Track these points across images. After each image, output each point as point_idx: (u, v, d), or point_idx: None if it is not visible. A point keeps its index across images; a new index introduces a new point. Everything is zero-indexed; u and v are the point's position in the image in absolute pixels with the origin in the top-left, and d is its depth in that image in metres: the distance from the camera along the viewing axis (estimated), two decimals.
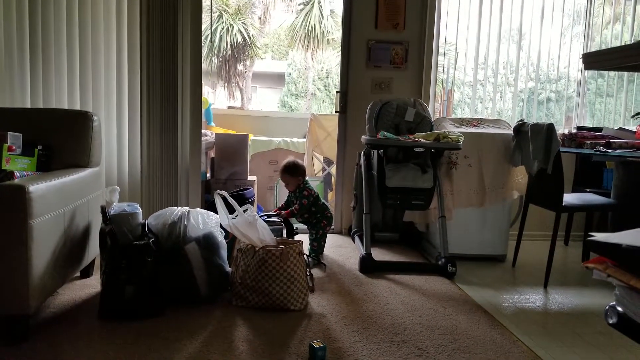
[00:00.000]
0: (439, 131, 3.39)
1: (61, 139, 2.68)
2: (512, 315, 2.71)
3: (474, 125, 3.77)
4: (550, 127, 3.10)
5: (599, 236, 1.06)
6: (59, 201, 2.27)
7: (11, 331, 2.11)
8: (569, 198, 3.31)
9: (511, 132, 3.59)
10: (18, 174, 2.28)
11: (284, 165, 3.51)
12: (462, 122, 3.83)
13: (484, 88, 4.66)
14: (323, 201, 3.56)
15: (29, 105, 3.49)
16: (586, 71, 4.66)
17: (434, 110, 4.37)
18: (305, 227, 3.57)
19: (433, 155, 3.48)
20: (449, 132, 3.36)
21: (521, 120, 3.48)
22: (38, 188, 2.06)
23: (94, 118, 2.80)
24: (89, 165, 2.74)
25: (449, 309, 2.72)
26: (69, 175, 2.43)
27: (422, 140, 3.31)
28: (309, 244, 3.48)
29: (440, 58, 4.43)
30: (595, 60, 2.71)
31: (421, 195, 3.38)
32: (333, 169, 5.03)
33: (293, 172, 3.48)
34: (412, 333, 2.39)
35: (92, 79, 3.64)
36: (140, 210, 2.58)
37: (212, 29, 13.63)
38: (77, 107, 3.60)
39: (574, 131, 3.98)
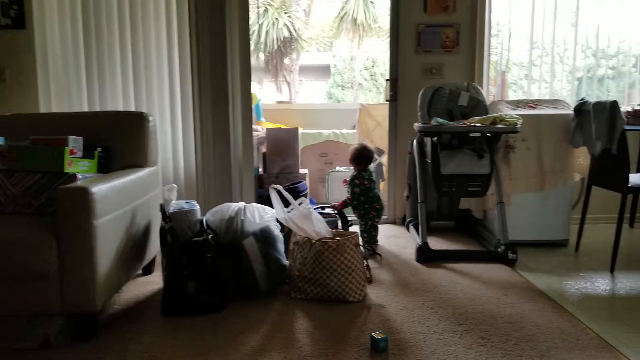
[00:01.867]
0: (495, 115, 3.29)
1: (119, 140, 2.74)
2: (578, 302, 2.61)
3: (531, 107, 3.64)
4: (614, 105, 2.96)
5: None
6: (121, 201, 2.33)
7: (81, 328, 2.19)
8: (635, 178, 3.14)
9: (570, 112, 3.45)
10: (80, 176, 2.34)
11: (351, 152, 3.53)
12: (518, 104, 3.69)
13: (540, 68, 4.48)
14: (376, 192, 3.51)
15: (86, 109, 3.61)
16: None
17: (488, 93, 4.24)
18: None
19: (489, 140, 3.37)
20: (505, 115, 3.25)
21: (582, 99, 3.33)
22: (100, 189, 2.12)
23: (149, 118, 2.86)
24: (147, 165, 2.79)
25: (512, 296, 2.65)
26: (129, 176, 2.49)
27: (478, 124, 3.22)
28: (360, 235, 3.45)
29: (493, 40, 4.28)
30: None
31: (478, 181, 3.30)
32: (384, 159, 4.98)
33: (352, 159, 3.50)
34: (475, 322, 2.34)
35: (145, 80, 3.72)
36: (198, 207, 2.62)
37: (259, 24, 13.71)
38: (132, 109, 3.70)
39: (638, 108, 3.79)
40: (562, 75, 4.52)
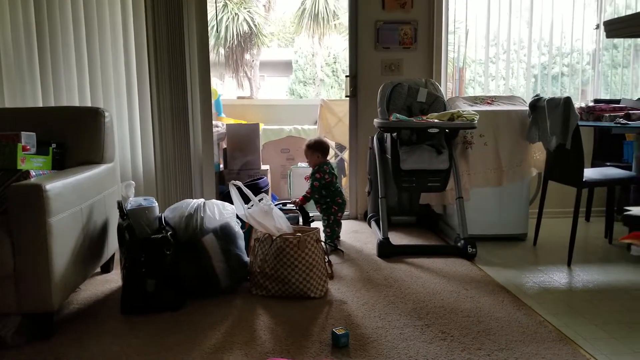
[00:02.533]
0: (452, 111, 3.34)
1: (74, 136, 2.69)
2: (536, 295, 2.66)
3: (488, 103, 3.71)
4: (567, 101, 3.03)
5: (636, 210, 1.03)
6: (76, 198, 2.28)
7: (37, 328, 2.13)
8: (590, 173, 3.24)
9: (526, 108, 3.53)
10: (34, 173, 2.28)
11: (307, 141, 3.52)
12: (475, 100, 3.76)
13: (496, 65, 4.58)
14: (338, 186, 3.52)
15: (40, 105, 3.49)
16: (599, 43, 4.57)
17: (446, 89, 4.30)
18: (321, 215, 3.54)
19: (448, 136, 3.42)
20: (463, 111, 3.30)
21: (537, 95, 3.41)
22: (54, 186, 2.07)
23: (105, 114, 2.80)
24: (103, 162, 2.74)
25: (471, 291, 2.69)
26: (84, 172, 2.43)
27: (436, 120, 3.26)
28: (323, 231, 3.46)
29: (450, 36, 4.35)
30: (618, 28, 2.63)
31: (437, 176, 3.34)
32: (345, 155, 4.99)
33: (311, 146, 3.48)
34: (436, 317, 2.36)
35: (102, 75, 3.62)
36: (157, 203, 2.57)
37: (218, 19, 13.55)
38: (88, 104, 3.60)
39: (591, 104, 3.90)
40: (519, 72, 4.62)
